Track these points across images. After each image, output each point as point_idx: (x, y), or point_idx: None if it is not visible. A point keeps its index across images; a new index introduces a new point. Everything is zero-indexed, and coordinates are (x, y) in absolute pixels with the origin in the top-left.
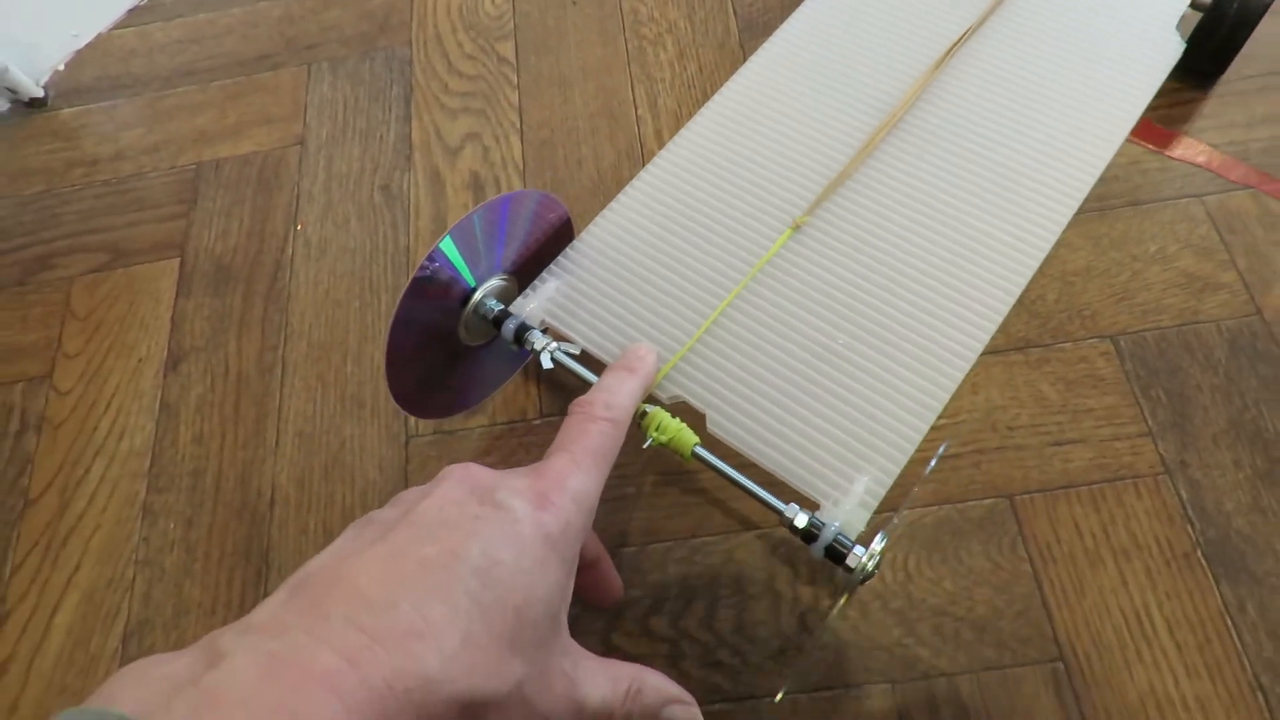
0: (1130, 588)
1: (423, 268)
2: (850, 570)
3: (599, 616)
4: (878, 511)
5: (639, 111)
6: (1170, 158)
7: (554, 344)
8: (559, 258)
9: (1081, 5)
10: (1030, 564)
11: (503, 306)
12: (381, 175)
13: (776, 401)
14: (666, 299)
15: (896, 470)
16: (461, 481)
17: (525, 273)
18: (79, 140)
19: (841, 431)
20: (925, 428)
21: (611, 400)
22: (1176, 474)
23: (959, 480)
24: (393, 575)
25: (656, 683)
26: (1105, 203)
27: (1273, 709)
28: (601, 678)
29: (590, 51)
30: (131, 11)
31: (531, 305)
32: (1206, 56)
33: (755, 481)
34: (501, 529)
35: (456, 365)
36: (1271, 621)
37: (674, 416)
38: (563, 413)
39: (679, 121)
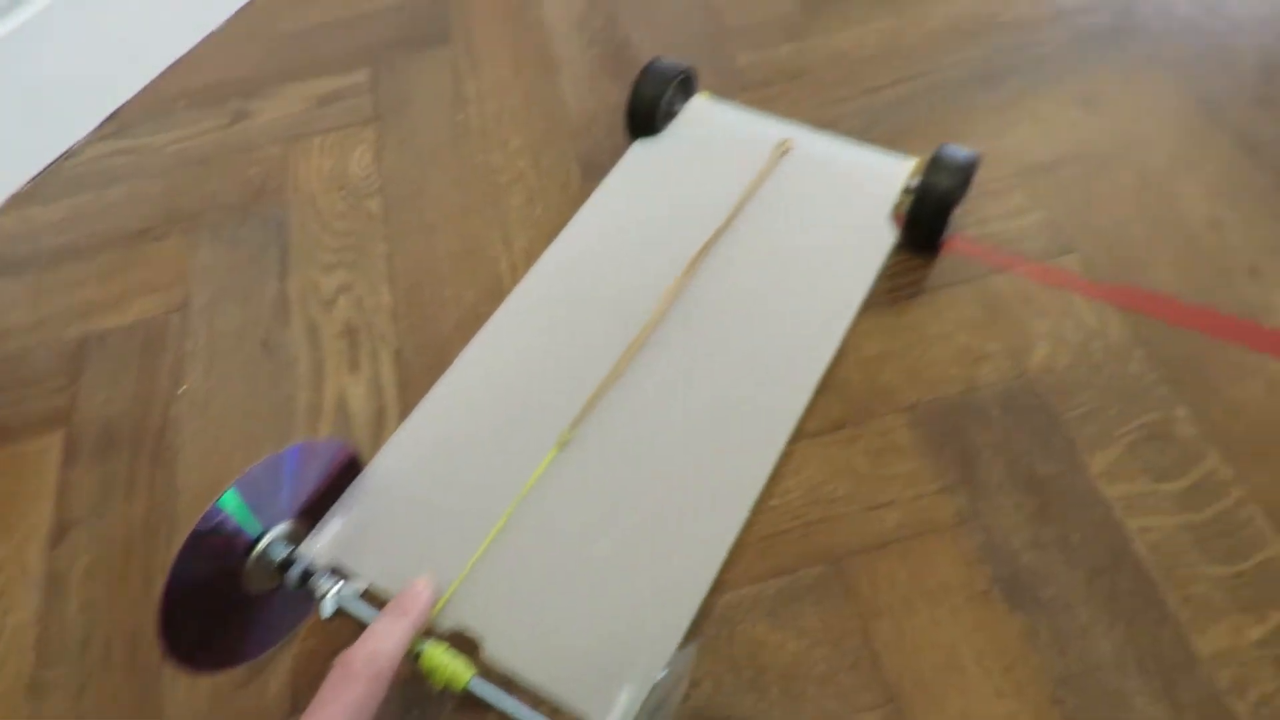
0: (941, 627)
1: (203, 521)
2: None
3: None
4: None
5: (496, 252)
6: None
7: (338, 586)
8: (344, 495)
9: (807, 208)
10: (858, 620)
11: (290, 550)
12: (261, 330)
13: (547, 621)
14: (447, 526)
15: (656, 677)
16: None
17: (316, 514)
18: None
19: (605, 644)
20: (684, 626)
21: (377, 649)
22: (971, 523)
23: (792, 552)
24: None
25: None
26: (893, 295)
27: (1070, 717)
28: None
29: (450, 202)
30: (12, 198)
31: (318, 546)
32: (923, 233)
33: (530, 703)
34: None
35: (241, 615)
36: (1061, 640)
37: (449, 649)
38: None
39: (531, 258)
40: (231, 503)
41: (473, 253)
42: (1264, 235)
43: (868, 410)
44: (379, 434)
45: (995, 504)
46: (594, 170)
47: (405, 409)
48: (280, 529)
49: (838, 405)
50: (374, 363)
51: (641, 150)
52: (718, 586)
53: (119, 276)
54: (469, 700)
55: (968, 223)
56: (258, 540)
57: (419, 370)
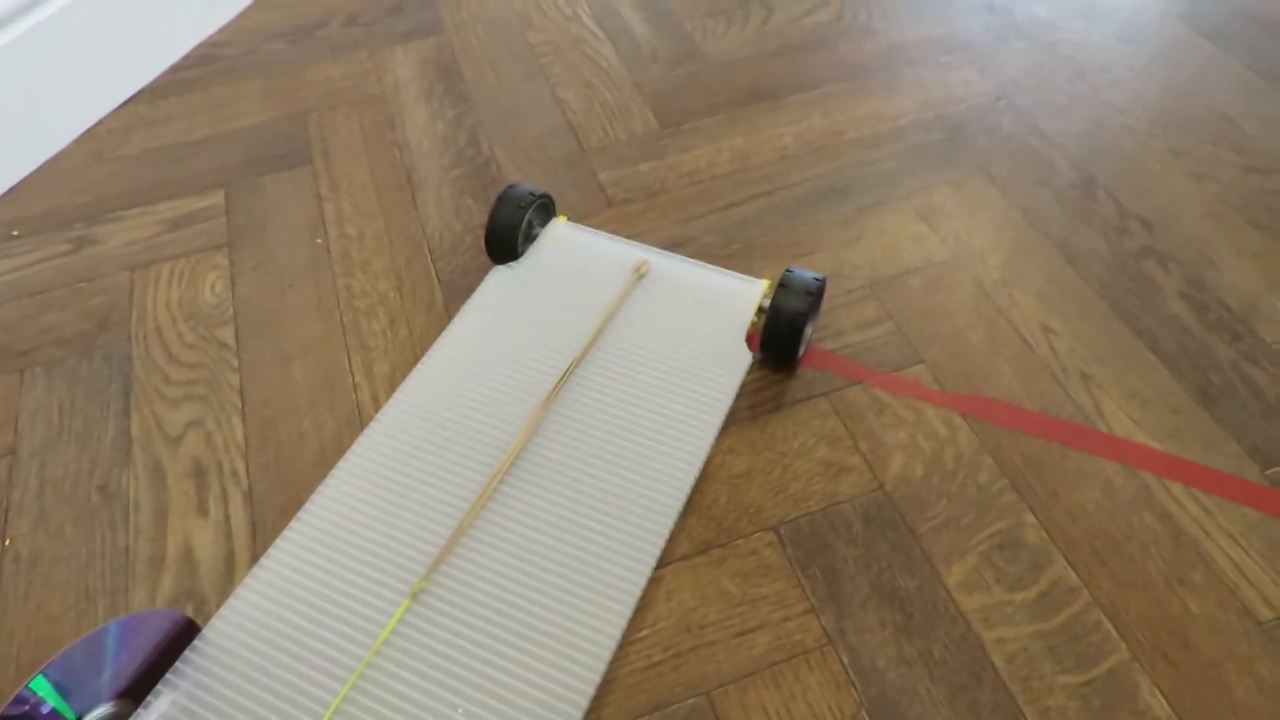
0: None
1: (11, 706)
2: None
3: None
4: None
5: (356, 379)
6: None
7: None
8: (174, 667)
9: (665, 331)
10: None
11: None
12: (99, 475)
13: None
14: (289, 696)
15: None
16: None
17: (144, 690)
18: None
19: None
20: None
21: None
22: (838, 642)
23: (663, 685)
24: None
25: None
26: (755, 410)
27: None
28: None
29: (308, 328)
30: None
31: None
32: (777, 351)
33: None
34: None
35: None
36: None
37: None
38: None
39: (393, 384)
40: (42, 687)
41: (332, 381)
42: (1091, 342)
43: (735, 530)
44: (228, 582)
45: (860, 623)
46: (458, 291)
47: (257, 553)
48: (101, 711)
49: (705, 526)
50: (224, 504)
51: (501, 276)
52: None
53: None
54: None
55: (824, 335)
56: None
57: (272, 511)
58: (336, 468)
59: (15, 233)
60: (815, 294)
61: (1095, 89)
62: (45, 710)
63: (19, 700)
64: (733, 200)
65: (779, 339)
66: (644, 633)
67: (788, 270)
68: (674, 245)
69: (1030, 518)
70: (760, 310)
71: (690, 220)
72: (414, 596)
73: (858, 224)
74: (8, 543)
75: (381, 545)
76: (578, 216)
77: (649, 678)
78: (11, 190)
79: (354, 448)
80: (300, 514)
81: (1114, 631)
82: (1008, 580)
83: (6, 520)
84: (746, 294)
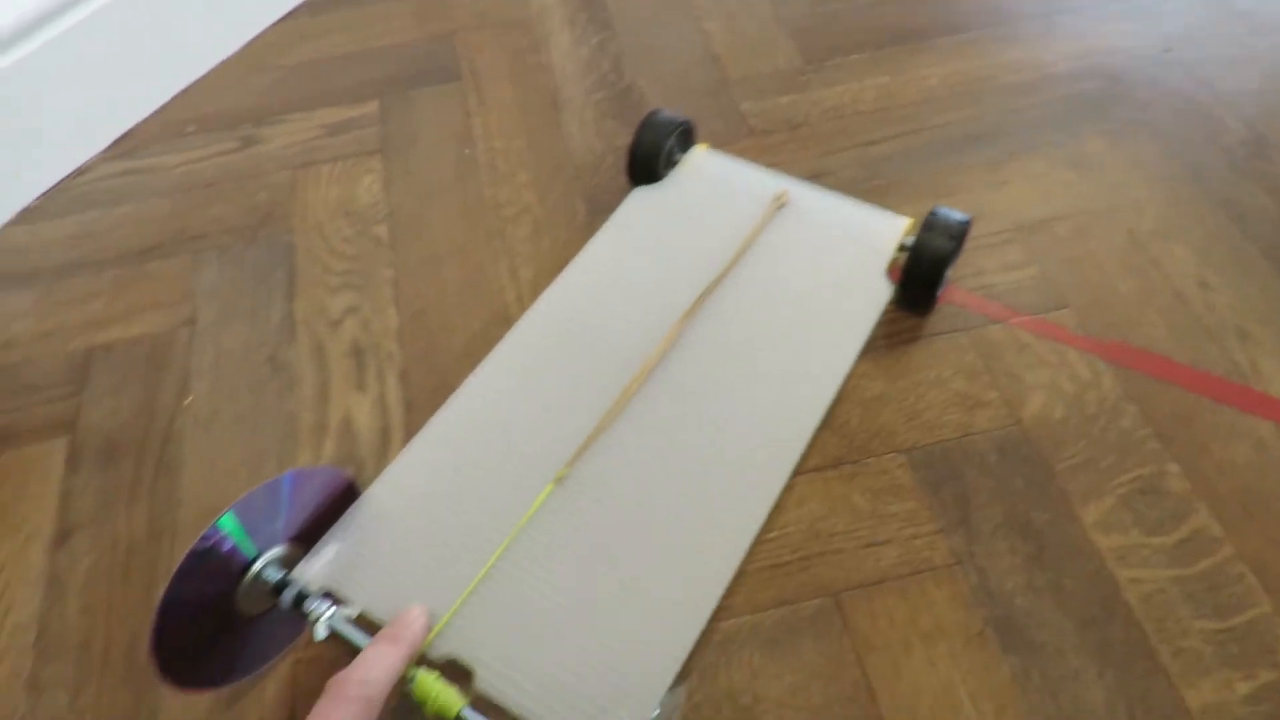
0: (937, 667)
1: (201, 541)
2: None
3: None
4: None
5: (502, 281)
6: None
7: (331, 610)
8: (340, 520)
9: (804, 259)
10: (855, 654)
11: (284, 574)
12: (268, 349)
13: (541, 653)
14: (442, 556)
15: (649, 716)
16: None
17: (311, 539)
18: None
19: (599, 679)
20: (679, 662)
21: (367, 676)
22: (966, 563)
23: (792, 584)
24: None
25: None
26: (892, 340)
27: None
28: None
29: (457, 232)
30: (23, 212)
31: (313, 571)
32: (918, 289)
33: None
34: None
35: (234, 635)
36: (1051, 683)
37: (441, 678)
38: None
39: (537, 289)
40: (229, 524)
41: (479, 282)
42: (1251, 301)
43: (866, 449)
44: (384, 453)
45: (990, 548)
46: (599, 207)
47: (410, 429)
48: (275, 552)
49: (837, 442)
50: (380, 382)
51: (642, 196)
52: (717, 613)
53: (126, 292)
54: None
55: (965, 274)
56: (253, 562)
57: (424, 392)
58: (487, 358)
59: (190, 129)
60: (959, 236)
61: (1277, 47)
62: (228, 546)
63: (206, 536)
64: (875, 137)
65: (920, 278)
66: (774, 534)
67: (933, 211)
68: (814, 177)
69: (1174, 467)
70: (901, 247)
71: (831, 154)
72: (558, 481)
73: (1004, 168)
74: (189, 400)
75: (529, 431)
76: (718, 145)
77: (778, 575)
78: (185, 90)
79: (503, 341)
80: (453, 396)
81: (1258, 585)
82: (1146, 524)
83: (187, 381)
84: (889, 228)
